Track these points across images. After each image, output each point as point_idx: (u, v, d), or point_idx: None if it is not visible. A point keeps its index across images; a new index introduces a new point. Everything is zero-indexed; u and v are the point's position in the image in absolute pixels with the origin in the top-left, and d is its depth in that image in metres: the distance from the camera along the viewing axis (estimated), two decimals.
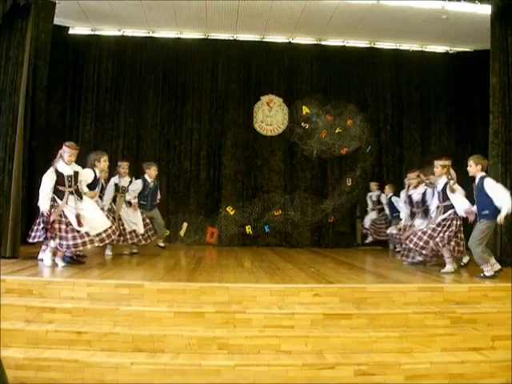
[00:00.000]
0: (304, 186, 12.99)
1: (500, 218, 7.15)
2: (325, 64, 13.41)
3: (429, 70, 13.45)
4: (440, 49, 13.58)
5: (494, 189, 7.33)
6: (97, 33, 12.96)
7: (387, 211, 11.51)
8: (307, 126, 13.10)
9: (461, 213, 7.81)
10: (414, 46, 13.49)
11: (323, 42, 13.35)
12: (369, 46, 13.42)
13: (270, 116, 13.25)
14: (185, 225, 12.75)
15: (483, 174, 7.51)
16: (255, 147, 13.19)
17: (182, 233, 12.74)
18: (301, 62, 13.40)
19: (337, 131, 13.14)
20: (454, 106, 13.35)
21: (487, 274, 7.19)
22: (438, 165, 8.18)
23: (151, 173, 10.03)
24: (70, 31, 12.77)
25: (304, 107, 13.13)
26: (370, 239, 12.29)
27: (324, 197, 12.98)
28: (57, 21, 11.11)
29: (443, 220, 7.98)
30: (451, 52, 13.59)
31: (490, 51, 9.20)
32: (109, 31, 12.97)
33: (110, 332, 5.27)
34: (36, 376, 4.75)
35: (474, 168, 7.54)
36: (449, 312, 5.86)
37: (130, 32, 13.01)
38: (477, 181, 7.52)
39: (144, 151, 12.95)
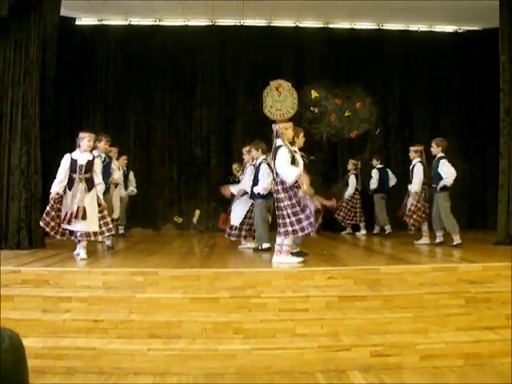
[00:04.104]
0: (314, 170, 12.96)
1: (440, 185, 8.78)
2: (332, 47, 13.31)
3: (437, 50, 13.29)
4: (448, 28, 13.45)
5: (445, 166, 8.75)
6: (103, 23, 12.97)
7: None
8: (316, 110, 13.08)
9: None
10: (422, 27, 13.37)
11: (330, 25, 13.25)
12: (376, 27, 13.33)
13: (280, 101, 13.23)
14: (197, 212, 12.80)
15: (442, 154, 8.89)
16: (265, 133, 13.14)
17: (194, 220, 12.79)
18: (309, 46, 13.32)
19: (346, 114, 13.13)
20: (464, 86, 13.21)
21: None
22: (412, 150, 9.56)
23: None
24: (77, 22, 12.80)
25: (313, 91, 13.10)
26: None
27: (334, 180, 12.98)
28: (63, 12, 11.08)
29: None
30: (460, 31, 13.47)
31: (499, 29, 9.12)
32: (115, 21, 12.98)
33: (126, 319, 5.31)
34: (55, 365, 4.79)
35: (435, 149, 8.98)
36: (463, 292, 5.85)
37: (136, 21, 13.00)
38: (436, 159, 8.91)
39: (154, 140, 13.00)
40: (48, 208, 7.39)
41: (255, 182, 8.35)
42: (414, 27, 13.38)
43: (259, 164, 8.39)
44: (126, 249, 8.82)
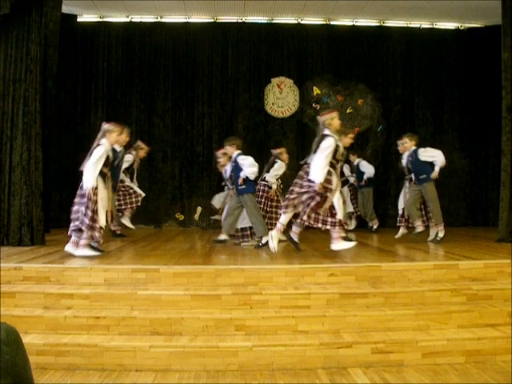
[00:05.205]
0: None
1: (434, 174, 8.46)
2: (334, 44, 13.33)
3: (440, 47, 13.29)
4: (450, 25, 13.40)
5: (427, 151, 8.61)
6: (105, 20, 12.96)
7: None
8: (318, 107, 13.06)
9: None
10: (424, 24, 13.32)
11: (332, 22, 13.23)
12: (378, 24, 13.30)
13: (281, 98, 13.20)
14: (199, 209, 12.79)
15: (415, 147, 8.77)
16: (267, 130, 13.18)
17: (196, 217, 12.79)
18: (310, 43, 13.31)
19: (348, 111, 13.10)
20: (466, 83, 13.19)
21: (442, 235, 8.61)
22: (400, 143, 9.16)
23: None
24: (79, 19, 12.80)
25: (315, 88, 13.09)
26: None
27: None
28: (65, 9, 11.09)
29: None
30: (462, 28, 13.43)
31: (502, 26, 9.09)
32: (117, 18, 12.96)
33: (127, 316, 5.32)
34: (56, 361, 4.80)
35: (408, 144, 8.84)
36: (465, 289, 5.86)
37: (138, 18, 12.98)
38: (409, 153, 8.79)
39: (156, 137, 12.99)
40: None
41: (236, 177, 8.35)
42: (415, 24, 13.34)
43: (235, 159, 8.38)
44: (127, 245, 8.82)
